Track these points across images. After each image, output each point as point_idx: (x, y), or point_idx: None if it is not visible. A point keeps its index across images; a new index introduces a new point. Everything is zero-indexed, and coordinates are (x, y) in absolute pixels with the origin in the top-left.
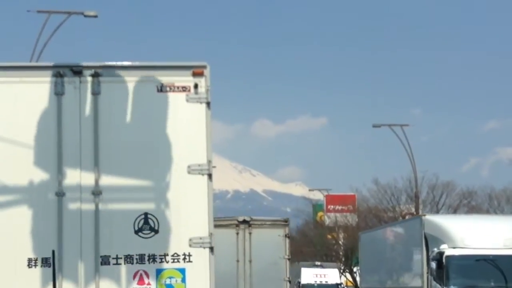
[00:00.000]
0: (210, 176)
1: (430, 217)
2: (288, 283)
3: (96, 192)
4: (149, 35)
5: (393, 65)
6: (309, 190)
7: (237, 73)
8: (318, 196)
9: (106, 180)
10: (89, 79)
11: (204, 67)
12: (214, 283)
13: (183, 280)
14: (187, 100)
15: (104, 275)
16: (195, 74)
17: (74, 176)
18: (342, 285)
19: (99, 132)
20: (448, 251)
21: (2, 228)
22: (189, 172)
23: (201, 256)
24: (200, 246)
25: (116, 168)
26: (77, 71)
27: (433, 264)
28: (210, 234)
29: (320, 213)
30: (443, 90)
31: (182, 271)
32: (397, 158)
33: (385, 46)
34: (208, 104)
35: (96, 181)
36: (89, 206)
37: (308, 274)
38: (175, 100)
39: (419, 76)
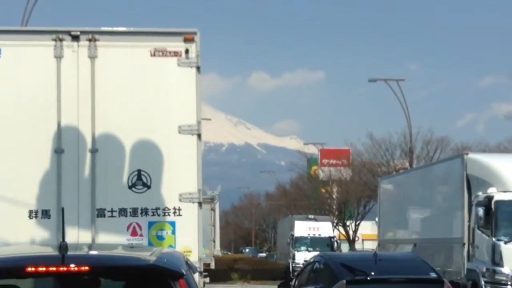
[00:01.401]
0: (199, 136)
1: (475, 156)
2: (213, 242)
3: (93, 150)
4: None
5: (391, 20)
6: (304, 144)
7: (235, 26)
8: (313, 150)
9: (102, 139)
10: (86, 43)
11: (195, 33)
12: (202, 235)
13: (173, 232)
14: (179, 65)
15: (99, 227)
16: (186, 40)
17: (72, 135)
18: (335, 238)
19: (96, 94)
20: (498, 195)
21: (4, 182)
22: (179, 132)
23: (190, 210)
24: (190, 201)
25: (111, 128)
26: (75, 35)
27: (478, 211)
28: (199, 190)
29: (314, 167)
30: (440, 45)
31: (173, 223)
32: (393, 113)
33: (383, 1)
34: (198, 68)
35: (93, 140)
36: (86, 163)
37: (301, 227)
38: (167, 64)
39: (416, 31)
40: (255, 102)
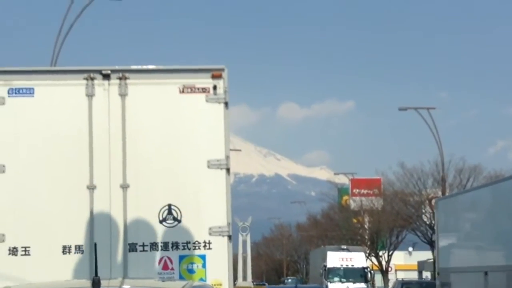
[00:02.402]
0: (228, 170)
1: None
2: None
3: (124, 185)
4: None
5: (419, 48)
6: (334, 174)
7: (263, 57)
8: (343, 180)
9: (133, 175)
10: (117, 81)
11: (223, 69)
12: (232, 267)
13: (204, 265)
14: (207, 101)
15: (131, 261)
16: (214, 77)
17: (104, 171)
18: (369, 269)
19: (126, 130)
20: None
21: (39, 217)
22: (208, 167)
23: (220, 244)
24: (219, 235)
25: (142, 163)
26: (106, 74)
27: None
28: (228, 224)
29: (345, 197)
30: (469, 72)
31: (203, 257)
32: (424, 141)
33: (412, 29)
34: (226, 104)
35: (124, 176)
36: (117, 199)
37: (334, 258)
38: (196, 100)
39: (445, 59)
40: (284, 133)
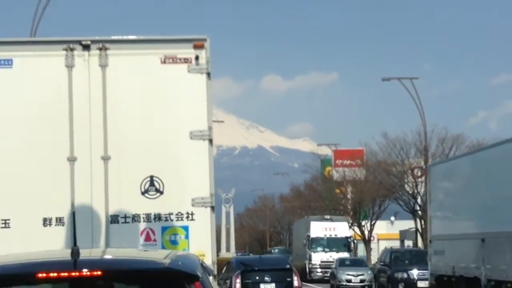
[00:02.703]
0: (211, 141)
1: None
2: None
3: (105, 157)
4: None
5: (404, 20)
6: (318, 145)
7: (247, 29)
8: (326, 151)
9: (114, 146)
10: (97, 52)
11: (205, 40)
12: (215, 238)
13: (187, 236)
14: (189, 71)
15: (113, 233)
16: (196, 47)
17: (85, 143)
18: (352, 238)
19: (107, 102)
20: None
21: (19, 189)
22: (191, 138)
23: (203, 215)
24: (202, 206)
25: (123, 135)
26: (86, 45)
27: None
28: (211, 195)
29: (328, 168)
30: (453, 44)
31: (186, 228)
32: (407, 112)
33: (396, 1)
34: (208, 74)
35: (105, 147)
36: (98, 170)
37: (317, 228)
38: (178, 71)
39: (429, 31)
40: (267, 105)
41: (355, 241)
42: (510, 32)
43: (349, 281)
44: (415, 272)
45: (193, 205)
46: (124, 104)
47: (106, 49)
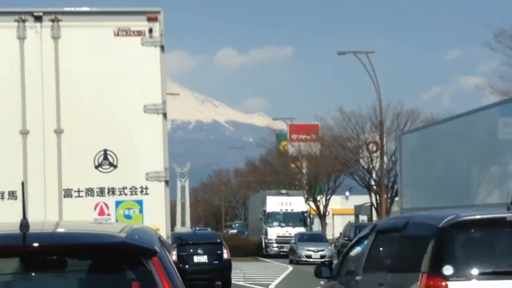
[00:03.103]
0: (165, 115)
1: None
2: None
3: (58, 130)
4: None
5: None
6: (273, 119)
7: (202, 2)
8: (282, 126)
9: (67, 120)
10: (49, 24)
11: (158, 12)
12: (169, 213)
13: (141, 210)
14: (142, 44)
15: (66, 207)
16: (149, 19)
17: (37, 116)
18: (308, 213)
19: (60, 74)
20: None
21: None
22: (145, 112)
23: (157, 189)
24: (156, 180)
25: (76, 108)
26: (38, 16)
27: None
28: (165, 169)
29: (283, 143)
30: (406, 19)
31: (140, 202)
32: (362, 86)
33: None
34: (162, 47)
35: (58, 120)
36: (51, 144)
37: (273, 202)
38: (131, 43)
39: (384, 5)
40: (222, 79)
41: (311, 216)
42: (463, 8)
43: (309, 256)
44: None
45: (147, 179)
46: (77, 77)
47: (58, 20)
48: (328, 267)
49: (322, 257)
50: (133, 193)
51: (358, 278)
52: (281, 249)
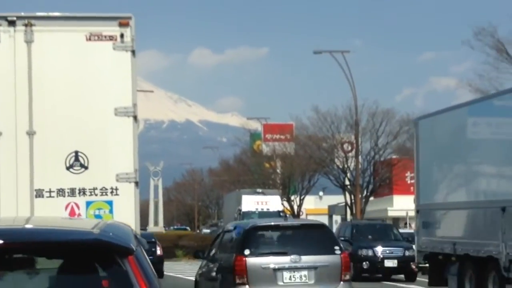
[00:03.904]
0: (135, 117)
1: None
2: None
3: (31, 132)
4: None
5: None
6: (247, 118)
7: (176, 2)
8: (256, 126)
9: (40, 122)
10: (23, 28)
11: (129, 18)
12: (138, 213)
13: (111, 211)
14: (114, 48)
15: (38, 207)
16: (121, 25)
17: (10, 118)
18: (283, 213)
19: (33, 77)
20: None
21: None
22: (116, 114)
23: (127, 190)
24: (126, 181)
25: (49, 110)
26: (12, 21)
27: None
28: (135, 170)
29: (257, 142)
30: (382, 21)
31: (110, 203)
32: (338, 86)
33: None
34: (133, 52)
35: (30, 122)
36: (24, 145)
37: (249, 202)
38: (103, 48)
39: (359, 6)
40: (196, 78)
41: (287, 215)
42: (435, 11)
43: None
44: (379, 249)
45: (117, 180)
46: (49, 80)
47: (31, 25)
48: (202, 251)
49: None
50: (104, 193)
51: (215, 256)
52: None
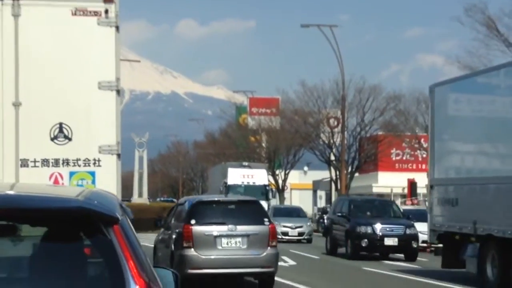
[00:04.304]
0: (118, 91)
1: None
2: None
3: (16, 103)
4: None
5: None
6: (233, 92)
7: None
8: (242, 99)
9: (25, 93)
10: (10, 1)
11: None
12: (120, 184)
13: (93, 181)
14: (98, 24)
15: (23, 176)
16: (105, 1)
17: None
18: (269, 187)
19: (19, 50)
20: None
21: None
22: (99, 88)
23: (109, 161)
24: (109, 153)
25: (34, 83)
26: None
27: None
28: (117, 143)
29: (243, 116)
30: None
31: (93, 174)
32: (325, 61)
33: None
34: (117, 28)
35: (16, 94)
36: (9, 116)
37: (235, 175)
38: (87, 23)
39: None
40: (182, 50)
41: (273, 189)
42: None
43: (285, 233)
44: (378, 227)
45: (100, 152)
46: (35, 53)
47: None
48: (159, 220)
49: (300, 234)
50: (86, 164)
51: (170, 225)
52: None
